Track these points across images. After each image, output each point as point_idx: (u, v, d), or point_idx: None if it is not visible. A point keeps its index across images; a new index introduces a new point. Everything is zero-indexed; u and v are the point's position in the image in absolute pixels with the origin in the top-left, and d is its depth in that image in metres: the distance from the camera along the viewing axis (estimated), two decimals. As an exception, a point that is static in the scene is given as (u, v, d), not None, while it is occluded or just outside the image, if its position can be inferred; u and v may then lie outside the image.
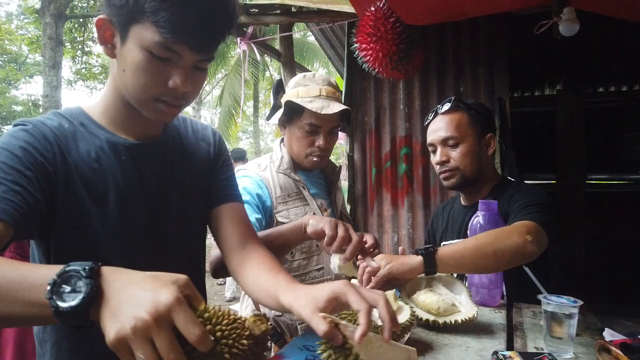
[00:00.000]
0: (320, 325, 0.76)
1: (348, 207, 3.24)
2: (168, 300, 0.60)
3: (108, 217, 1.00)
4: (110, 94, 1.04)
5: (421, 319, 1.28)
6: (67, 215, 0.96)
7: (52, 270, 0.65)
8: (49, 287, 0.63)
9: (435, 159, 1.78)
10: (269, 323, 0.75)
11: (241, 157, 6.32)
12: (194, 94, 0.99)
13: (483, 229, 1.58)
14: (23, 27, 23.19)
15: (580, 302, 1.12)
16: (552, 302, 1.13)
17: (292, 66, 3.54)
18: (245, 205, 1.32)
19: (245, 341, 0.68)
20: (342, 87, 3.30)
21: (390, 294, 1.25)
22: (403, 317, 1.17)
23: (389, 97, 3.16)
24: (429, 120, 1.84)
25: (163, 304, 0.59)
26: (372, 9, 1.83)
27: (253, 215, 1.57)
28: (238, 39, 3.13)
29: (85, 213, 0.97)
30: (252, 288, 1.11)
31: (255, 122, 21.65)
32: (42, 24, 13.31)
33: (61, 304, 0.62)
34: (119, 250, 1.02)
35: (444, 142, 1.75)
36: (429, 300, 1.32)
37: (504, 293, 1.63)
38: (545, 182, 5.14)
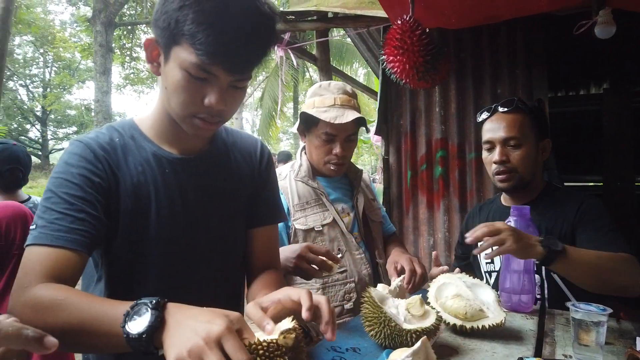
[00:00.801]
0: (254, 313, 0.86)
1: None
2: (220, 328, 0.70)
3: (149, 227, 1.06)
4: (158, 108, 1.11)
5: (448, 323, 1.30)
6: (115, 226, 1.03)
7: (128, 305, 0.77)
8: (123, 317, 0.76)
9: (493, 157, 1.76)
10: (298, 328, 0.81)
11: (285, 158, 6.49)
12: (231, 112, 1.03)
13: (515, 234, 1.57)
14: (76, 34, 24.38)
15: (609, 310, 1.11)
16: (580, 310, 1.13)
17: (328, 70, 3.59)
18: None
19: (284, 358, 0.75)
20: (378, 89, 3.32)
21: (417, 298, 1.27)
22: (429, 322, 1.20)
23: (425, 100, 3.15)
24: (485, 117, 1.82)
25: (215, 331, 0.70)
26: (399, 22, 1.86)
27: None
28: (275, 45, 3.22)
29: (130, 223, 1.04)
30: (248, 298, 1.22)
31: (295, 123, 21.85)
32: (93, 32, 13.96)
33: (131, 331, 0.74)
34: (158, 258, 1.08)
35: (505, 141, 1.73)
36: (456, 305, 1.33)
37: (546, 298, 1.62)
38: (592, 184, 4.95)
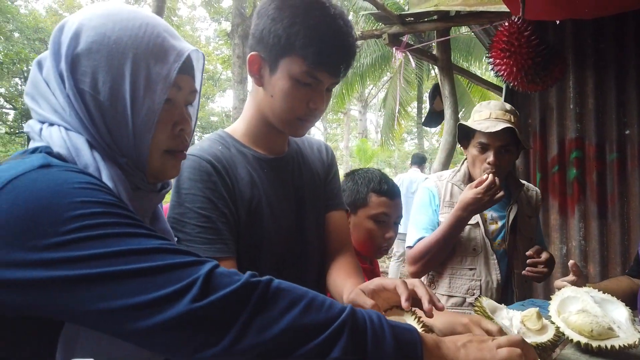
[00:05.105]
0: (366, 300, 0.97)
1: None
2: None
3: (262, 221, 1.16)
4: (253, 116, 1.21)
5: (571, 340, 1.21)
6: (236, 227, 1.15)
7: None
8: None
9: None
10: None
11: (420, 161, 6.33)
12: (324, 112, 1.18)
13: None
14: (218, 48, 26.87)
15: None
16: None
17: (449, 70, 3.49)
18: (420, 207, 1.92)
19: None
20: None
21: (534, 311, 1.21)
22: (546, 337, 1.13)
23: (557, 96, 2.91)
24: None
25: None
26: (506, 23, 1.76)
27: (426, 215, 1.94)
28: (394, 48, 3.23)
29: (247, 228, 1.15)
30: (330, 289, 1.26)
31: (419, 123, 21.42)
32: (232, 44, 15.24)
33: None
34: (270, 247, 1.18)
35: None
36: (581, 322, 1.23)
37: None
38: None
